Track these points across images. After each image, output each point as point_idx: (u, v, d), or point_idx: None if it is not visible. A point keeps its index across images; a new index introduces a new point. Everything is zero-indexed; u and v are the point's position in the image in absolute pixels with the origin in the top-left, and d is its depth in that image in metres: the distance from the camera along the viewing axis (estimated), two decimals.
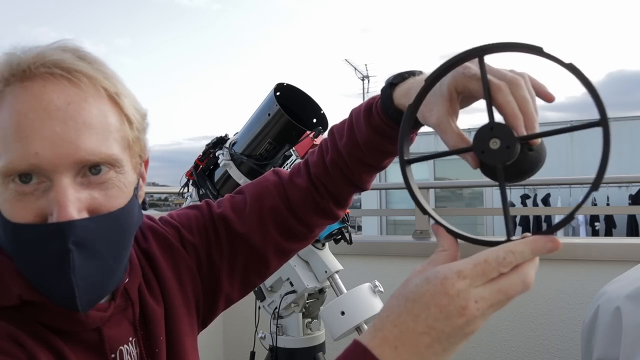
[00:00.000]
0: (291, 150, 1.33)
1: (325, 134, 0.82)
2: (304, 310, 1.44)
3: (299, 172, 0.82)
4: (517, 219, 8.07)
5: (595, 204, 7.90)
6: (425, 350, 0.46)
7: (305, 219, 0.82)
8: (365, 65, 13.95)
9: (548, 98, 0.54)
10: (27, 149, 0.55)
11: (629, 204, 7.83)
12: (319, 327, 1.47)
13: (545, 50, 0.47)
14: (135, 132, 0.64)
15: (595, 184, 0.48)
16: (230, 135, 1.47)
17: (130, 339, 0.67)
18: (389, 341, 0.46)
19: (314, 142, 1.31)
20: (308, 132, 1.31)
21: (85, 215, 0.57)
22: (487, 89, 0.51)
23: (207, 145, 1.47)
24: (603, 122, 0.45)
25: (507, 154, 0.49)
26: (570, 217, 0.51)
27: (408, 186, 0.55)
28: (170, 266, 0.76)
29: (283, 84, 1.35)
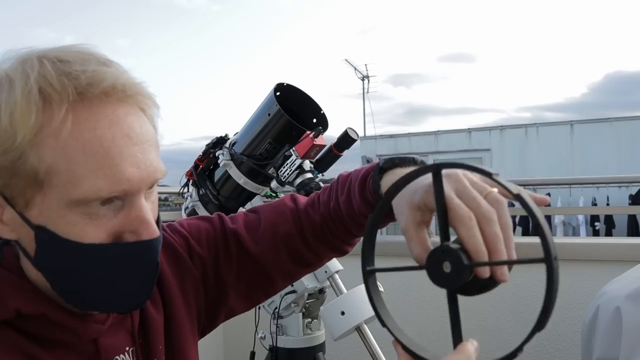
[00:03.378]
0: (291, 150, 1.33)
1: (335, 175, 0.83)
2: (304, 310, 1.44)
3: (313, 205, 0.82)
4: (517, 219, 8.08)
5: (595, 204, 7.90)
6: None
7: (316, 250, 0.82)
8: (365, 65, 13.95)
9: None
10: (120, 176, 0.55)
11: (629, 204, 7.82)
12: (319, 327, 1.47)
13: (494, 177, 0.48)
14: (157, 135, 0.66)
15: (541, 323, 0.48)
16: (230, 135, 1.47)
17: (127, 348, 0.67)
18: None
19: (314, 142, 1.31)
20: (308, 132, 1.31)
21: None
22: (440, 208, 0.50)
23: (207, 145, 1.47)
24: (547, 260, 0.46)
25: (457, 280, 0.48)
26: (515, 353, 0.51)
27: (369, 296, 0.53)
28: (174, 274, 0.75)
29: (283, 84, 1.35)
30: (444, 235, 0.50)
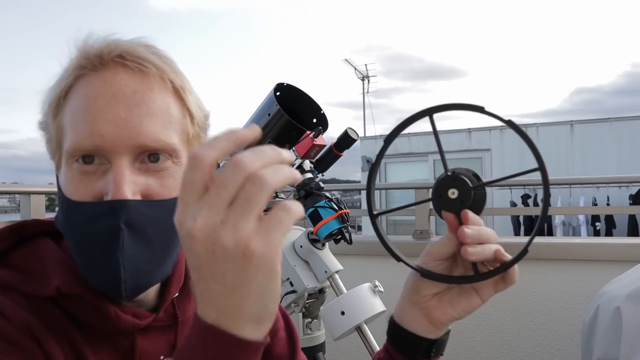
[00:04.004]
0: (291, 150, 1.33)
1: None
2: (304, 310, 1.44)
3: None
4: (521, 219, 8.07)
5: (596, 204, 7.90)
6: (209, 295, 0.41)
7: None
8: (365, 65, 13.94)
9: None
10: (93, 130, 0.58)
11: (630, 204, 7.82)
12: (319, 327, 1.47)
13: (487, 110, 0.54)
14: (196, 128, 0.65)
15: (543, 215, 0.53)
16: None
17: (162, 357, 0.66)
18: (197, 302, 0.43)
19: (314, 142, 1.31)
20: (308, 132, 1.31)
21: (139, 198, 0.59)
22: (439, 145, 0.58)
23: None
24: (541, 167, 0.52)
25: (465, 201, 0.57)
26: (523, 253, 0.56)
27: (380, 237, 0.62)
28: None
29: (283, 84, 1.35)
30: (445, 167, 0.58)
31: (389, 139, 0.60)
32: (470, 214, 0.58)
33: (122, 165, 0.58)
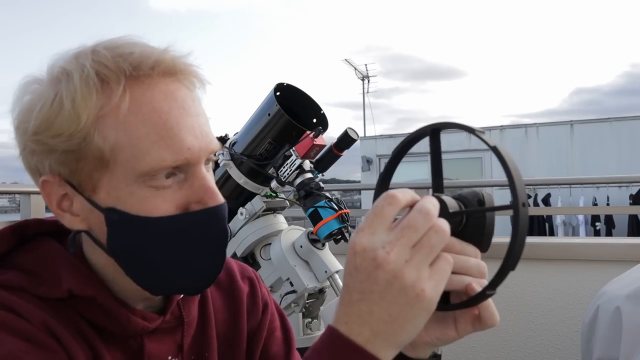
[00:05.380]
0: (291, 150, 1.33)
1: None
2: (304, 310, 1.44)
3: None
4: None
5: (596, 204, 7.90)
6: (369, 317, 0.46)
7: None
8: (365, 65, 13.96)
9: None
10: (181, 145, 0.57)
11: (630, 204, 7.82)
12: (319, 327, 1.47)
13: (477, 133, 0.51)
14: None
15: (505, 264, 0.49)
16: (230, 135, 1.47)
17: (170, 358, 0.67)
18: (340, 319, 0.47)
19: (314, 142, 1.31)
20: (308, 132, 1.31)
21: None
22: (434, 165, 0.56)
23: None
24: (514, 206, 0.48)
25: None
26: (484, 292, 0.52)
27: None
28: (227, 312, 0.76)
29: (283, 84, 1.35)
30: (436, 189, 0.55)
31: (398, 154, 0.57)
32: (449, 241, 0.53)
33: (203, 172, 0.60)
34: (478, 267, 0.54)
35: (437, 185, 0.55)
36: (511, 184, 0.48)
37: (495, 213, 0.54)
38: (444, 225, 0.46)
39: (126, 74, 0.56)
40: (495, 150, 0.49)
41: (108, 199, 0.58)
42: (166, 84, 0.59)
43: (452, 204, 0.52)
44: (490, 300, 0.54)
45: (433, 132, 0.54)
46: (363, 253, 0.46)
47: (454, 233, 0.52)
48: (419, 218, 0.46)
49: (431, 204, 0.47)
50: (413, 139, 0.55)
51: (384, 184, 0.57)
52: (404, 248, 0.45)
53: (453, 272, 0.52)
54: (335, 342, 0.47)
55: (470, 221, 0.54)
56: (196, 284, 0.64)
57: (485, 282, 0.54)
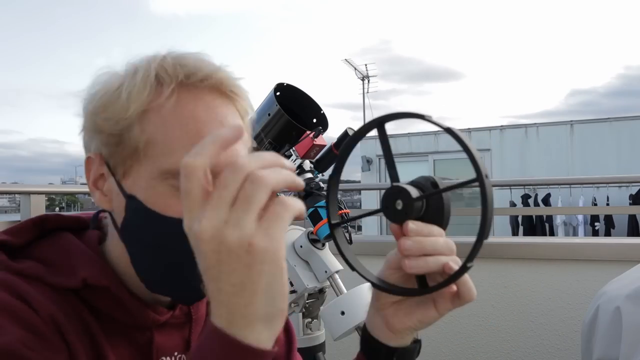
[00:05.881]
0: (291, 150, 1.33)
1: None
2: (304, 310, 1.44)
3: None
4: (520, 219, 8.07)
5: (596, 204, 7.90)
6: (219, 295, 0.42)
7: None
8: (365, 65, 13.94)
9: None
10: None
11: (629, 204, 7.82)
12: (319, 327, 1.47)
13: (427, 118, 0.53)
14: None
15: (480, 238, 0.51)
16: None
17: (176, 353, 0.68)
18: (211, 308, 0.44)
19: (314, 142, 1.31)
20: (308, 132, 1.31)
21: None
22: (387, 155, 0.58)
23: None
24: (479, 178, 0.50)
25: (410, 212, 0.56)
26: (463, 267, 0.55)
27: (337, 246, 0.61)
28: None
29: (283, 84, 1.35)
30: (393, 179, 0.57)
31: (346, 150, 0.61)
32: (414, 225, 0.56)
33: None
34: (447, 245, 0.57)
35: (393, 175, 0.58)
36: (472, 160, 0.50)
37: (451, 194, 0.57)
38: (261, 173, 0.41)
39: (178, 79, 0.61)
40: (449, 131, 0.51)
41: (133, 187, 0.62)
42: (212, 98, 0.62)
43: (414, 192, 0.55)
44: (467, 276, 0.57)
45: (379, 124, 0.56)
46: (189, 236, 0.43)
47: (418, 217, 0.56)
48: (227, 174, 0.41)
49: (244, 157, 0.43)
50: (360, 133, 0.58)
51: (332, 179, 0.61)
52: (217, 211, 0.41)
53: (427, 255, 0.56)
54: (209, 330, 0.43)
55: (430, 203, 0.56)
56: (188, 293, 0.63)
57: (458, 259, 0.57)
